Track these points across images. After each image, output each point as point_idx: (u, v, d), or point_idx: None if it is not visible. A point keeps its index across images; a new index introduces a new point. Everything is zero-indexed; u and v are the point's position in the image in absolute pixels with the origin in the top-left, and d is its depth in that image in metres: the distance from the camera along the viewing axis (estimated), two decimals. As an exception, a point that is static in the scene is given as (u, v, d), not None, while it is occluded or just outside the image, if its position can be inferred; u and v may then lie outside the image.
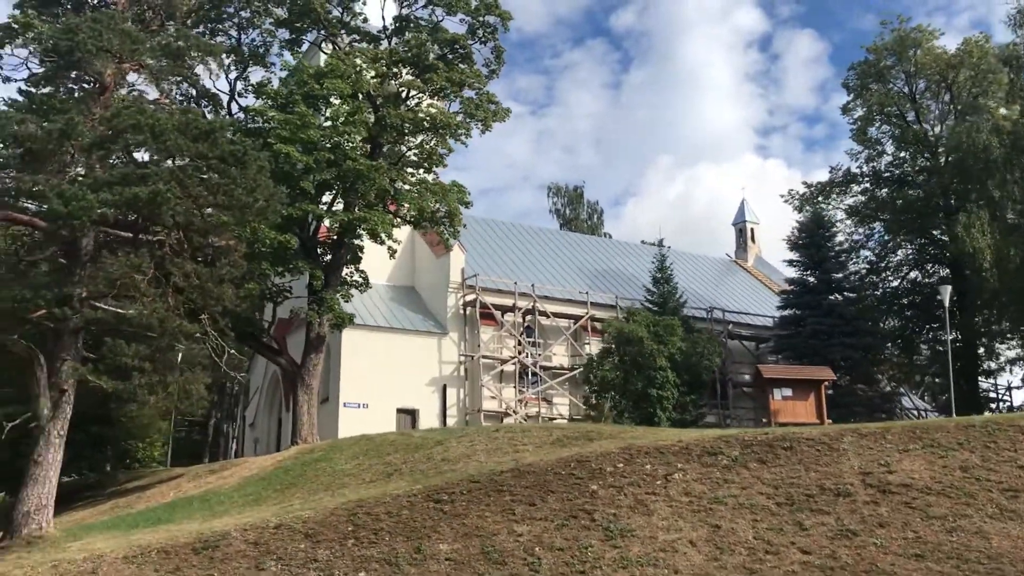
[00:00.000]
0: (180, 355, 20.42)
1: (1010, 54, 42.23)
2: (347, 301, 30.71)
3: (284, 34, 32.24)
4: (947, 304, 31.77)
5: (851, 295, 43.43)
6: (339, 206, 30.45)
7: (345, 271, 31.47)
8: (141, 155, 21.89)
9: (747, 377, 43.40)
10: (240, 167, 19.88)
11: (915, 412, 45.79)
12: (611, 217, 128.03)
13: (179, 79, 25.61)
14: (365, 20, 32.81)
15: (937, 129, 46.45)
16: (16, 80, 22.56)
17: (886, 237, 48.26)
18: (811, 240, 43.41)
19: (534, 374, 39.48)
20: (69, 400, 19.56)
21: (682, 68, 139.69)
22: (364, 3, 32.55)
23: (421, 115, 31.16)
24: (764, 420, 34.56)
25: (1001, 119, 39.88)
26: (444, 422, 37.14)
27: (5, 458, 26.49)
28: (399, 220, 31.88)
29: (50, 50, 21.22)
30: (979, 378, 45.42)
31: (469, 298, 39.24)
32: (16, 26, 21.76)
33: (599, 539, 15.02)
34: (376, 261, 33.79)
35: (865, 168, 48.10)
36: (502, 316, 39.58)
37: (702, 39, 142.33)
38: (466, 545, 14.93)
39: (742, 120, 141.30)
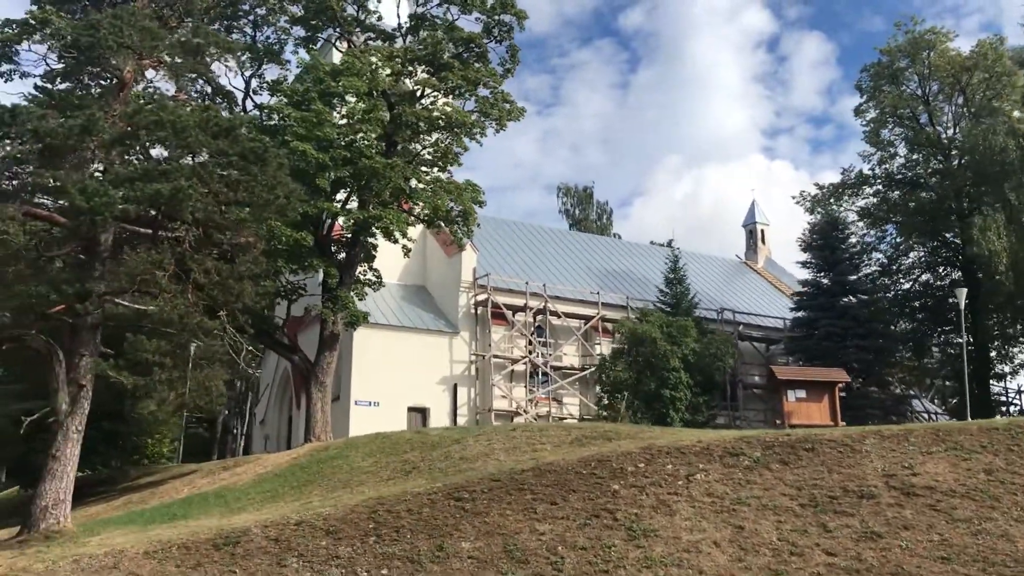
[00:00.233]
0: (198, 351, 20.41)
1: (1025, 57, 42.22)
2: (361, 300, 30.68)
3: (299, 31, 32.27)
4: (963, 307, 31.63)
5: (864, 297, 43.21)
6: (353, 204, 30.43)
7: (359, 269, 31.45)
8: (158, 152, 21.90)
9: (757, 379, 43.33)
10: (260, 164, 19.82)
11: (926, 415, 45.60)
12: (618, 217, 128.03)
13: (196, 76, 25.57)
14: (380, 18, 32.81)
15: (950, 132, 46.34)
16: (33, 76, 22.55)
17: (898, 239, 48.15)
18: (825, 242, 43.29)
19: (544, 374, 39.44)
20: (87, 395, 19.51)
21: (690, 68, 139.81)
22: (379, 1, 32.53)
23: (436, 113, 31.12)
24: (777, 422, 34.42)
25: (1017, 122, 39.76)
26: (455, 421, 37.12)
27: (22, 453, 26.49)
28: (413, 219, 31.85)
29: (69, 46, 21.14)
30: (991, 382, 45.29)
31: (480, 297, 39.22)
32: (34, 22, 21.70)
33: (622, 539, 14.97)
34: (388, 260, 33.74)
35: (877, 170, 48.01)
36: (513, 316, 39.56)
37: (710, 39, 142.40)
38: (488, 543, 14.89)
39: (749, 121, 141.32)
